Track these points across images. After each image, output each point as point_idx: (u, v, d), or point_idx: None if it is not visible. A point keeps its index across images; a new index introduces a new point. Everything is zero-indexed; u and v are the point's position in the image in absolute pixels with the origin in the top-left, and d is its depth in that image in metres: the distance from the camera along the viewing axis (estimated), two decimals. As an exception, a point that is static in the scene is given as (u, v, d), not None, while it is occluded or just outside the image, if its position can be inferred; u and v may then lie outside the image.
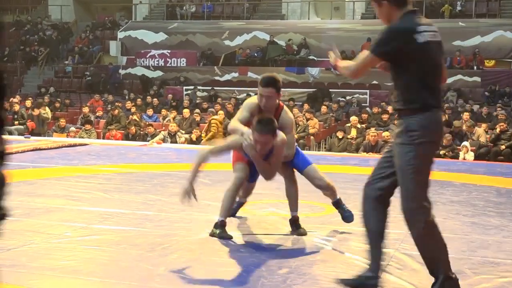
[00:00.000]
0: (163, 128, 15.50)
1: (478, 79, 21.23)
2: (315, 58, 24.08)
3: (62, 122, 16.03)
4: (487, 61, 22.34)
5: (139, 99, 20.23)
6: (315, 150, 14.97)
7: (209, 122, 14.46)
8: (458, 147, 13.23)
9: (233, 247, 4.64)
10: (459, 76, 21.32)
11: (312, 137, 15.22)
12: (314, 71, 22.97)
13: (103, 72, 24.58)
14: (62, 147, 11.68)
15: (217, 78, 23.68)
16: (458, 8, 25.00)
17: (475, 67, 22.01)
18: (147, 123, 15.70)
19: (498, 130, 14.05)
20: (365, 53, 3.51)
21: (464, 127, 14.09)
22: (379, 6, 3.49)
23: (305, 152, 14.01)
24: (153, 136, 14.45)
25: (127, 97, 21.44)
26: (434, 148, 3.55)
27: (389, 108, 17.69)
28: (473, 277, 3.98)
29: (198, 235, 4.97)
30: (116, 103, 18.88)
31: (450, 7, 24.88)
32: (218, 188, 7.26)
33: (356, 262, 4.23)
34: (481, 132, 14.07)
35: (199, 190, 7.04)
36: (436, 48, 3.47)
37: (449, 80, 21.22)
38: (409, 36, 3.37)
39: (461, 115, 15.83)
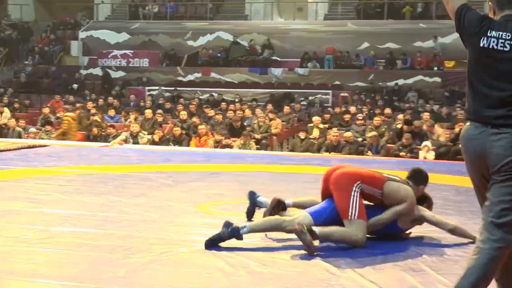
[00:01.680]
0: (125, 129, 15.37)
1: (438, 79, 21.54)
2: (278, 59, 24.16)
3: (22, 123, 15.77)
4: (447, 62, 22.69)
5: (101, 100, 20.06)
6: (278, 150, 15.01)
7: (62, 119, 14.74)
8: (419, 147, 13.41)
9: (195, 248, 4.60)
10: (420, 77, 21.62)
11: (274, 138, 15.26)
12: (277, 71, 23.05)
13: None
14: (21, 148, 11.50)
15: (180, 78, 23.60)
16: (419, 9, 25.33)
17: (435, 68, 22.33)
18: (108, 124, 15.57)
19: (457, 130, 14.27)
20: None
21: (424, 127, 14.27)
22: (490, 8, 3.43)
23: (267, 152, 14.03)
24: (115, 137, 14.33)
25: (88, 97, 21.22)
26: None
27: (351, 109, 17.87)
28: (433, 274, 4.04)
29: (159, 236, 4.92)
30: (77, 104, 18.68)
31: (411, 9, 25.18)
32: (180, 189, 7.26)
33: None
34: (440, 132, 14.27)
35: (161, 191, 7.05)
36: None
37: (410, 81, 21.57)
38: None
39: (422, 115, 16.04)
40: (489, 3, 3.35)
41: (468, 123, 3.27)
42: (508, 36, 3.15)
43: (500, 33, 3.18)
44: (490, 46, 3.18)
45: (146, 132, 14.86)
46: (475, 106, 3.24)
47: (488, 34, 3.19)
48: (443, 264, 4.32)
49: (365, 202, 4.79)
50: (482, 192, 3.25)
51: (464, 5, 3.34)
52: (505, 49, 3.15)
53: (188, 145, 14.20)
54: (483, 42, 3.20)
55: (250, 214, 5.49)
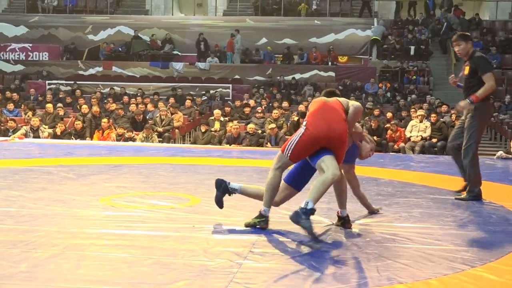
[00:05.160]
0: (26, 123, 15.27)
1: (332, 74, 22.43)
2: (179, 53, 24.42)
3: None
4: (341, 57, 23.68)
5: (-1, 94, 19.75)
6: (180, 143, 15.26)
7: None
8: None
9: (99, 241, 4.48)
10: (315, 71, 22.43)
11: (177, 130, 15.52)
12: (178, 65, 23.29)
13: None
14: None
15: (81, 72, 23.43)
16: (314, 7, 26.19)
17: (329, 63, 23.23)
18: (8, 118, 15.40)
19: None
20: (487, 75, 6.22)
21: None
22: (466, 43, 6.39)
23: (169, 145, 14.09)
24: (15, 131, 14.23)
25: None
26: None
27: (251, 102, 18.41)
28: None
29: (62, 230, 4.77)
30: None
31: (306, 6, 26.01)
32: (82, 182, 7.15)
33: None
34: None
35: (63, 185, 6.89)
36: None
37: (307, 75, 22.34)
38: None
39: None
40: None
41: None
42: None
43: None
44: None
45: (46, 126, 14.82)
46: None
47: None
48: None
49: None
50: None
51: None
52: None
53: (90, 138, 14.28)
54: None
55: (220, 203, 5.16)
